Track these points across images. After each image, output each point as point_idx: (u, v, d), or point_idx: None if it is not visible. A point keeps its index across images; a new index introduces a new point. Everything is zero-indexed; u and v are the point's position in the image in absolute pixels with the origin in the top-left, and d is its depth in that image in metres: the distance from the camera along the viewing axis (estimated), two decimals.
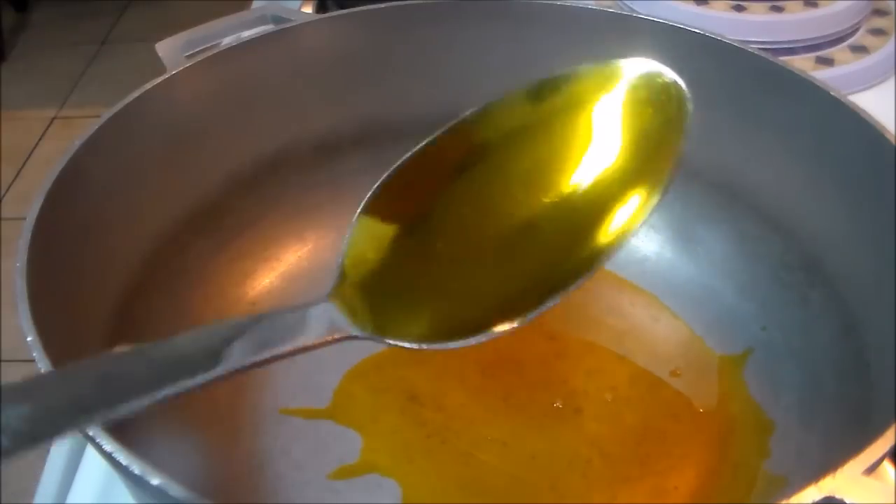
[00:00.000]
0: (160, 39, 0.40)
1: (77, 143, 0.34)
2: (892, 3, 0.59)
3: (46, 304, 0.28)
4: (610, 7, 0.42)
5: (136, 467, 0.23)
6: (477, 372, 0.38)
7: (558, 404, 0.37)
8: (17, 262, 0.29)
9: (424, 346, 0.24)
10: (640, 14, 0.41)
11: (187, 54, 0.40)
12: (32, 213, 0.31)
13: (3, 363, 0.96)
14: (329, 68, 0.42)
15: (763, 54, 0.38)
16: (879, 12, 0.58)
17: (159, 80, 0.38)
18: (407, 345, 0.25)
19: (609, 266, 0.43)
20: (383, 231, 0.26)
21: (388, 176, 0.26)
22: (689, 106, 0.25)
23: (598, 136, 0.26)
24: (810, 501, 0.22)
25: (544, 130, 0.26)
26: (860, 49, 0.55)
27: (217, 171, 0.41)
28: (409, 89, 0.44)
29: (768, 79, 0.37)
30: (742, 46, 0.38)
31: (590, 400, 0.37)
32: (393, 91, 0.44)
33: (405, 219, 0.26)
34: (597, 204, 0.25)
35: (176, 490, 0.22)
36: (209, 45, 0.41)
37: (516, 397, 0.37)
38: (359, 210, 0.26)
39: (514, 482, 0.34)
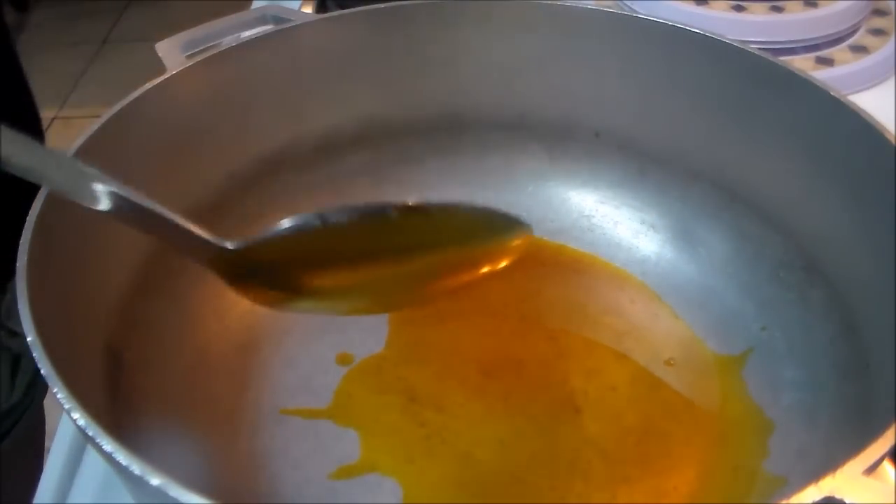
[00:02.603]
0: (160, 39, 0.40)
1: (77, 143, 0.34)
2: (892, 3, 0.59)
3: (46, 304, 0.28)
4: (610, 7, 0.42)
5: (136, 467, 0.23)
6: (477, 372, 0.39)
7: (558, 404, 0.37)
8: (18, 263, 0.29)
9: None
10: (640, 14, 0.41)
11: (187, 54, 0.40)
12: (32, 213, 0.31)
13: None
14: (329, 68, 0.42)
15: (763, 54, 0.38)
16: (879, 12, 0.58)
17: (159, 80, 0.38)
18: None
19: (611, 265, 0.43)
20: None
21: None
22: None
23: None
24: (810, 501, 0.22)
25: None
26: (860, 49, 0.55)
27: (217, 171, 0.41)
28: (409, 89, 0.44)
29: (768, 79, 0.37)
30: (742, 46, 0.38)
31: (590, 400, 0.37)
32: (393, 91, 0.44)
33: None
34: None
35: (176, 490, 0.22)
36: (209, 45, 0.41)
37: (516, 397, 0.37)
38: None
39: (514, 482, 0.34)
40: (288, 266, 0.31)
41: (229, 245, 0.30)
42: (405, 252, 0.32)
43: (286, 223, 0.30)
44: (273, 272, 0.31)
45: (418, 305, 0.32)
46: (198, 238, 0.30)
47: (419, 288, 0.32)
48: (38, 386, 0.51)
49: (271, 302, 0.32)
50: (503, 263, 0.32)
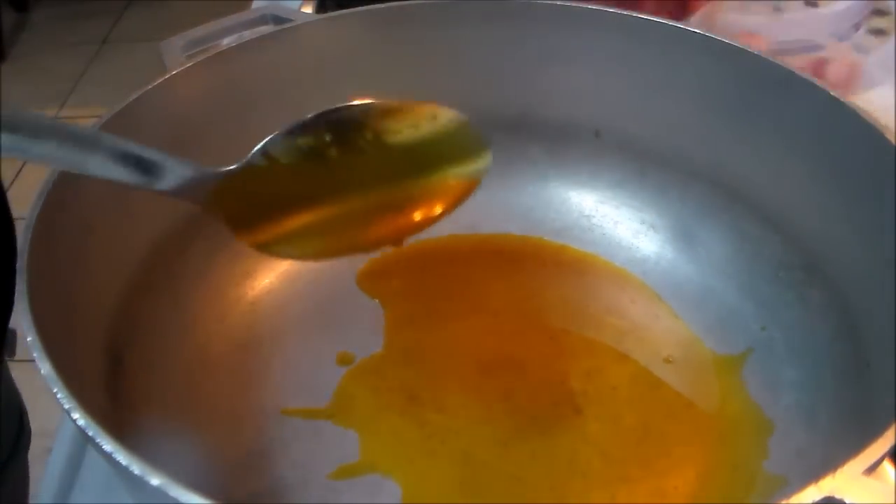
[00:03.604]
0: (160, 39, 0.40)
1: None
2: (892, 3, 0.59)
3: (46, 304, 0.28)
4: (610, 7, 0.42)
5: (136, 467, 0.23)
6: (477, 372, 0.39)
7: (558, 404, 0.37)
8: (18, 262, 0.29)
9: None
10: (641, 14, 0.41)
11: (188, 54, 0.40)
12: (32, 213, 0.31)
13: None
14: (329, 68, 0.42)
15: (763, 54, 0.38)
16: (879, 12, 0.58)
17: (159, 80, 0.38)
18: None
19: (611, 265, 0.43)
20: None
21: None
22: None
23: None
24: (810, 501, 0.22)
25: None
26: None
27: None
28: (408, 89, 0.44)
29: (768, 79, 0.37)
30: (742, 46, 0.38)
31: (590, 400, 0.37)
32: (392, 91, 0.44)
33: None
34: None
35: (176, 490, 0.22)
36: (209, 45, 0.41)
37: (516, 397, 0.37)
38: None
39: (514, 482, 0.34)
40: (272, 198, 0.32)
41: (219, 170, 0.31)
42: (373, 185, 0.34)
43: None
44: (259, 204, 0.32)
45: (389, 244, 0.35)
46: (190, 171, 0.31)
47: (387, 224, 0.34)
48: (18, 448, 0.51)
49: (260, 240, 0.33)
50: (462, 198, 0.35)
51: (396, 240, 0.35)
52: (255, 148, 0.32)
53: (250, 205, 0.32)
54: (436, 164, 0.34)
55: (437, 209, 0.34)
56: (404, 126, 0.33)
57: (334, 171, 0.33)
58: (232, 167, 0.32)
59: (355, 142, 0.33)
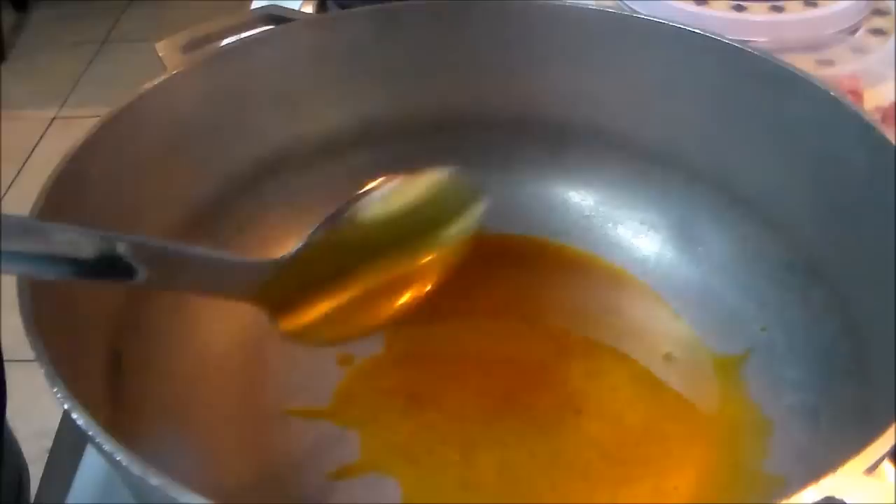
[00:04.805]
0: (160, 39, 0.40)
1: (77, 143, 0.34)
2: (892, 3, 0.59)
3: (47, 303, 0.28)
4: (610, 7, 0.42)
5: (136, 467, 0.23)
6: (477, 372, 0.39)
7: (558, 404, 0.37)
8: None
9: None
10: (640, 14, 0.41)
11: (187, 54, 0.40)
12: (32, 213, 0.31)
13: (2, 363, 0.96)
14: (329, 68, 0.42)
15: (763, 54, 0.38)
16: (879, 12, 0.58)
17: (159, 80, 0.38)
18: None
19: (611, 265, 0.43)
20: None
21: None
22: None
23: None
24: (810, 501, 0.22)
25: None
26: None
27: (217, 171, 0.41)
28: (409, 89, 0.44)
29: (768, 79, 0.37)
30: (742, 46, 0.38)
31: (590, 400, 0.37)
32: (393, 91, 0.44)
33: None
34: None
35: (176, 490, 0.22)
36: (209, 45, 0.41)
37: (516, 397, 0.37)
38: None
39: (514, 482, 0.34)
40: (305, 286, 0.33)
41: (267, 261, 0.32)
42: (377, 264, 0.35)
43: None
44: (296, 295, 0.33)
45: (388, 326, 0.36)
46: (237, 264, 0.31)
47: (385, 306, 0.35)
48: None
49: (297, 329, 0.33)
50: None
51: (394, 321, 0.35)
52: (302, 242, 0.32)
53: (290, 296, 0.33)
54: (433, 228, 0.35)
55: (431, 281, 0.36)
56: (411, 191, 0.35)
57: (353, 252, 0.34)
58: (283, 257, 0.32)
59: (371, 221, 0.34)
